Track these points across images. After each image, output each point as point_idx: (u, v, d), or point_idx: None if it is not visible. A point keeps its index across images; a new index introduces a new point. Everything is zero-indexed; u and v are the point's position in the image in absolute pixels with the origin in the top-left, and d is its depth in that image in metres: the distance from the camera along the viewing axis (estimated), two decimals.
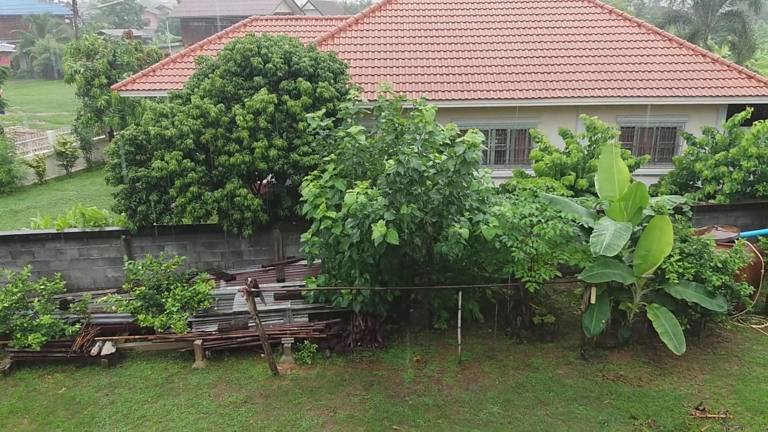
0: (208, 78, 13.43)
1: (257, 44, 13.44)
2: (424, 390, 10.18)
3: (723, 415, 9.32)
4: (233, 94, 13.22)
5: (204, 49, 18.97)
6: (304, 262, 13.19)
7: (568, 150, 14.21)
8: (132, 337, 11.49)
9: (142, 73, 18.28)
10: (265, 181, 14.34)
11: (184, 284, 12.02)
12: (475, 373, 10.65)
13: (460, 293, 10.97)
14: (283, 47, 13.55)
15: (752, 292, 11.32)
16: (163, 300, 11.57)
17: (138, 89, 17.84)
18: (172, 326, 11.24)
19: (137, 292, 11.64)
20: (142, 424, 9.47)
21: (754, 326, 11.92)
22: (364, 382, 10.42)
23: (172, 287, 11.80)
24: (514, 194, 12.12)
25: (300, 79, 13.15)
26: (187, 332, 11.28)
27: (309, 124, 11.90)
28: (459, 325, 10.97)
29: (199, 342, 10.99)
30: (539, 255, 10.73)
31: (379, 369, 10.80)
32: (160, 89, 17.28)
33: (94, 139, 26.14)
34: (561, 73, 17.48)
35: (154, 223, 13.17)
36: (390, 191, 10.09)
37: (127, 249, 13.52)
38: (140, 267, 11.87)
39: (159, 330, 11.25)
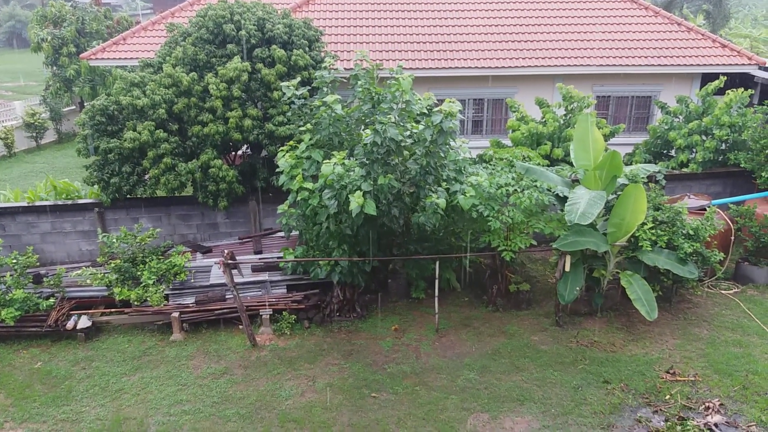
0: (180, 46, 13.13)
1: (230, 11, 13.13)
2: (402, 358, 10.30)
3: (692, 378, 9.59)
4: (206, 62, 12.96)
5: (176, 16, 18.49)
6: (282, 233, 13.11)
7: (544, 119, 14.24)
8: (108, 310, 11.39)
9: (112, 42, 17.78)
10: (240, 152, 14.16)
11: (160, 257, 11.93)
12: (452, 340, 10.79)
13: (438, 263, 11.05)
14: (256, 14, 13.26)
15: (722, 259, 11.58)
16: (139, 273, 11.46)
17: (108, 58, 17.37)
18: (148, 299, 11.17)
19: (112, 265, 11.51)
20: (120, 397, 9.45)
21: (723, 292, 12.21)
22: (342, 351, 10.50)
23: (147, 260, 11.70)
24: (490, 164, 12.16)
25: (274, 46, 12.92)
26: (164, 305, 11.23)
27: (284, 93, 11.72)
28: (436, 294, 11.07)
29: (176, 314, 10.94)
30: (515, 224, 10.82)
31: (357, 338, 10.88)
32: (131, 58, 16.84)
33: (64, 109, 25.49)
34: (538, 41, 17.43)
35: (128, 195, 12.98)
36: (367, 161, 10.03)
37: (100, 222, 13.32)
38: (115, 240, 11.72)
39: (135, 303, 11.18)
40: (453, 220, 11.78)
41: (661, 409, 8.93)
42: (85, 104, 22.45)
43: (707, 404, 8.94)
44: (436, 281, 11.05)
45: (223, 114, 12.53)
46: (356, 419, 8.86)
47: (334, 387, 9.58)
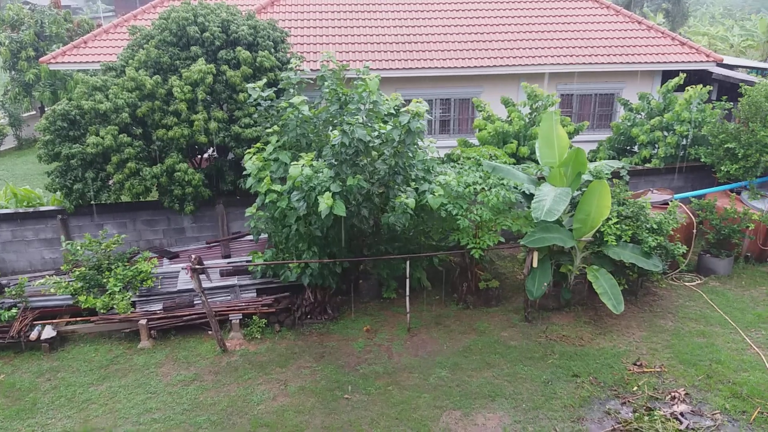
0: (143, 49, 12.93)
1: (193, 12, 12.98)
2: (374, 359, 10.30)
3: (659, 369, 9.79)
4: (170, 64, 12.78)
5: (138, 18, 18.21)
6: (250, 237, 13.03)
7: (510, 118, 14.39)
8: (73, 319, 11.16)
9: (73, 45, 17.43)
10: (206, 155, 14.02)
11: (126, 263, 11.73)
12: (423, 339, 10.83)
13: (408, 262, 11.08)
14: (220, 15, 13.14)
15: (685, 252, 11.84)
16: (105, 280, 11.26)
17: (69, 62, 17.01)
18: (114, 307, 10.97)
19: (77, 273, 11.28)
20: (88, 407, 9.26)
21: (687, 284, 12.49)
22: (314, 353, 10.46)
23: (113, 267, 11.49)
24: (458, 163, 12.24)
25: (239, 48, 12.81)
26: (131, 312, 11.04)
27: (250, 95, 11.64)
28: (407, 293, 11.10)
29: (144, 321, 10.76)
30: (483, 222, 10.91)
31: (329, 340, 10.85)
32: (93, 61, 16.54)
33: (24, 115, 24.88)
34: (502, 41, 17.61)
35: (92, 202, 12.72)
36: (335, 162, 10.02)
37: (64, 229, 13.03)
38: (79, 247, 11.49)
39: (101, 311, 10.97)
40: (422, 220, 11.83)
41: (629, 401, 9.09)
42: (46, 109, 22.01)
43: (673, 394, 9.14)
44: (407, 281, 11.08)
45: (188, 117, 12.38)
46: (329, 421, 8.83)
47: (306, 390, 9.54)
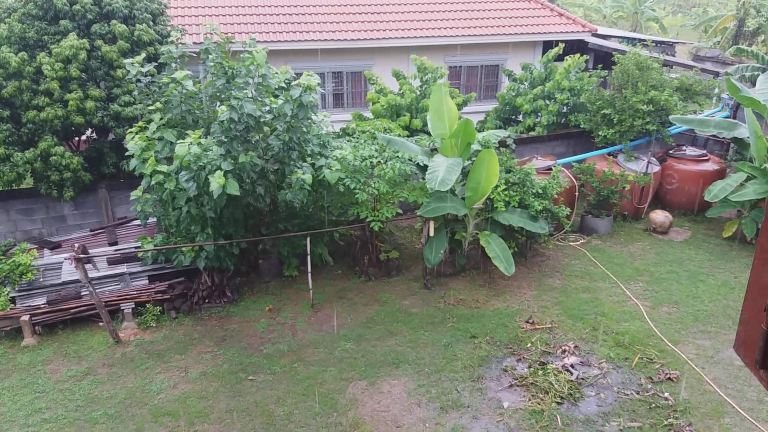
0: (5, 23, 11.81)
1: None
2: (278, 338, 10.21)
3: (549, 325, 10.39)
4: (37, 40, 11.78)
5: None
6: (138, 222, 12.41)
7: (402, 91, 14.52)
8: None
9: None
10: (84, 137, 13.12)
11: (1, 257, 10.84)
12: (327, 314, 10.85)
13: (309, 239, 11.00)
14: None
15: (569, 213, 12.56)
16: None
17: None
18: None
19: None
20: None
21: (571, 243, 13.29)
22: (215, 338, 10.21)
23: None
24: (354, 137, 12.23)
25: (114, 21, 12.01)
26: (11, 309, 10.25)
27: (128, 71, 10.94)
28: (309, 270, 11.04)
29: (26, 317, 10.02)
30: (381, 195, 11.01)
31: (230, 323, 10.62)
32: None
33: None
34: (391, 13, 17.66)
35: None
36: (225, 139, 9.68)
37: None
38: None
39: None
40: (321, 195, 11.76)
41: (524, 357, 9.59)
42: None
43: (563, 348, 9.74)
44: (308, 257, 11.01)
45: (62, 96, 11.51)
46: (234, 404, 8.69)
47: (208, 375, 9.30)
